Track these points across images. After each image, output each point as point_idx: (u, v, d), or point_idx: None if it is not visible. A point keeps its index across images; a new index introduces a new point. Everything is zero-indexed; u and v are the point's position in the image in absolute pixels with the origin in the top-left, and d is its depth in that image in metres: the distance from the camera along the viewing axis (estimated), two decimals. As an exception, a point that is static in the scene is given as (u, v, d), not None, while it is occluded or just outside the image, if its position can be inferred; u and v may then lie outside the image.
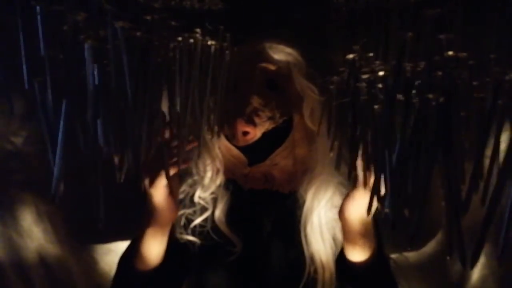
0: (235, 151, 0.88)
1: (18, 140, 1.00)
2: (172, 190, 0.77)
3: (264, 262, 0.88)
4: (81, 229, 1.04)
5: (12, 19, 0.54)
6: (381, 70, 0.58)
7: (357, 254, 0.78)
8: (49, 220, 1.03)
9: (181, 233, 0.89)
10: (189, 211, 0.91)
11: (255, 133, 0.83)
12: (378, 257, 0.79)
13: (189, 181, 0.92)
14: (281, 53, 0.88)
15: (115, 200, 0.85)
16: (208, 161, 0.90)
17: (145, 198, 0.77)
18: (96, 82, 0.54)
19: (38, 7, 0.54)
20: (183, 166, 0.76)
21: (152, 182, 0.73)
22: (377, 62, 0.60)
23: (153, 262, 0.81)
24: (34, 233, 1.02)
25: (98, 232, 1.02)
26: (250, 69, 0.86)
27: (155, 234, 0.78)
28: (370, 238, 0.77)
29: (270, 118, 0.84)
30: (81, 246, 1.08)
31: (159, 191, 0.74)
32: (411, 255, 1.06)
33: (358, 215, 0.74)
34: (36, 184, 1.00)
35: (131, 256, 0.81)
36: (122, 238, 1.04)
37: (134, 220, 0.83)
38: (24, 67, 0.55)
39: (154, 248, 0.79)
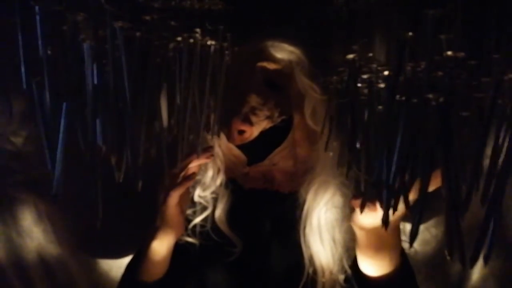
0: (235, 150, 0.87)
1: (18, 140, 1.00)
2: (182, 209, 0.80)
3: (264, 262, 0.88)
4: (89, 243, 1.04)
5: (11, 18, 0.54)
6: (381, 70, 0.58)
7: (371, 268, 0.76)
8: (49, 220, 1.03)
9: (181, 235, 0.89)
10: (189, 212, 0.90)
11: (252, 132, 0.82)
12: (399, 276, 0.75)
13: None
14: (283, 52, 0.86)
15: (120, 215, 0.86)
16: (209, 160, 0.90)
17: (153, 212, 0.79)
18: (95, 82, 0.54)
19: (37, 7, 0.54)
20: (188, 183, 0.79)
21: (164, 199, 0.76)
22: (377, 62, 0.60)
23: (159, 273, 0.82)
24: (34, 233, 1.02)
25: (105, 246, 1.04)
26: (250, 68, 0.85)
27: (161, 247, 0.80)
28: (389, 253, 0.73)
29: (268, 117, 0.83)
30: (81, 246, 1.08)
31: (170, 209, 0.77)
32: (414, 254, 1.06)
33: (370, 225, 0.70)
34: (36, 184, 1.00)
35: (137, 267, 0.82)
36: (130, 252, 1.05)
37: (140, 233, 0.84)
38: (22, 67, 0.55)
39: (160, 260, 0.81)
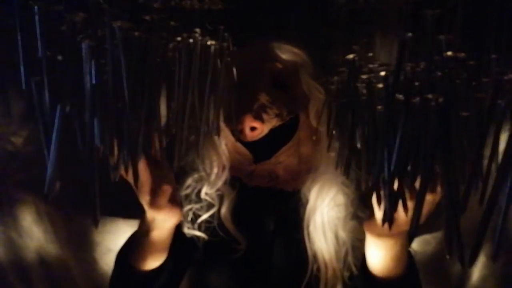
0: (241, 148, 0.89)
1: (18, 140, 1.00)
2: (172, 196, 0.74)
3: (267, 260, 0.89)
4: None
5: (10, 19, 0.54)
6: (381, 70, 0.58)
7: (379, 268, 0.77)
8: (49, 220, 1.03)
9: (188, 228, 0.90)
10: (196, 206, 0.91)
11: (263, 129, 0.84)
12: (406, 275, 0.77)
13: (196, 176, 0.93)
14: (288, 53, 0.89)
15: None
16: (214, 158, 0.90)
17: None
18: (94, 82, 0.54)
19: (36, 7, 0.54)
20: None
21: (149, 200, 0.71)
22: (377, 62, 0.60)
23: (157, 262, 0.81)
24: (34, 233, 1.02)
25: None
26: (258, 68, 0.87)
27: (159, 238, 0.77)
28: (398, 254, 0.75)
29: (277, 115, 0.85)
30: (81, 246, 1.08)
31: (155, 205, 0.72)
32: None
33: (385, 233, 0.70)
34: (36, 184, 0.99)
35: (132, 256, 0.80)
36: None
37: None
38: (22, 67, 0.54)
39: (158, 245, 0.78)
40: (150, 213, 0.73)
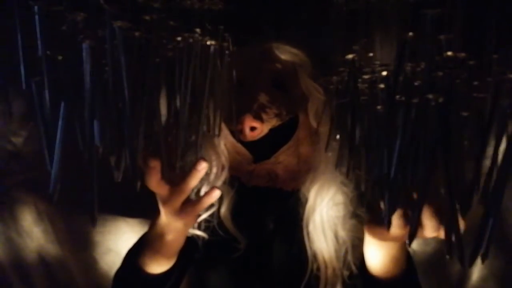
0: (241, 148, 0.89)
1: (18, 140, 1.00)
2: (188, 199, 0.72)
3: (267, 259, 0.89)
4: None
5: (10, 18, 0.54)
6: (381, 70, 0.58)
7: (379, 269, 0.76)
8: (49, 220, 1.04)
9: None
10: None
11: (262, 128, 0.84)
12: (405, 275, 0.76)
13: None
14: (287, 54, 0.89)
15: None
16: (214, 158, 0.90)
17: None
18: (94, 82, 0.54)
19: (36, 7, 0.54)
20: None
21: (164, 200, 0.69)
22: (377, 62, 0.60)
23: (167, 265, 0.79)
24: (34, 233, 1.02)
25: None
26: (258, 68, 0.87)
27: (173, 241, 0.75)
28: (398, 256, 0.74)
29: (276, 115, 0.85)
30: (81, 246, 1.08)
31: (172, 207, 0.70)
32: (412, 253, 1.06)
33: (390, 238, 0.68)
34: (36, 184, 1.00)
35: (142, 259, 0.78)
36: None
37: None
38: (22, 67, 0.54)
39: (171, 253, 0.78)
40: (167, 217, 0.71)
